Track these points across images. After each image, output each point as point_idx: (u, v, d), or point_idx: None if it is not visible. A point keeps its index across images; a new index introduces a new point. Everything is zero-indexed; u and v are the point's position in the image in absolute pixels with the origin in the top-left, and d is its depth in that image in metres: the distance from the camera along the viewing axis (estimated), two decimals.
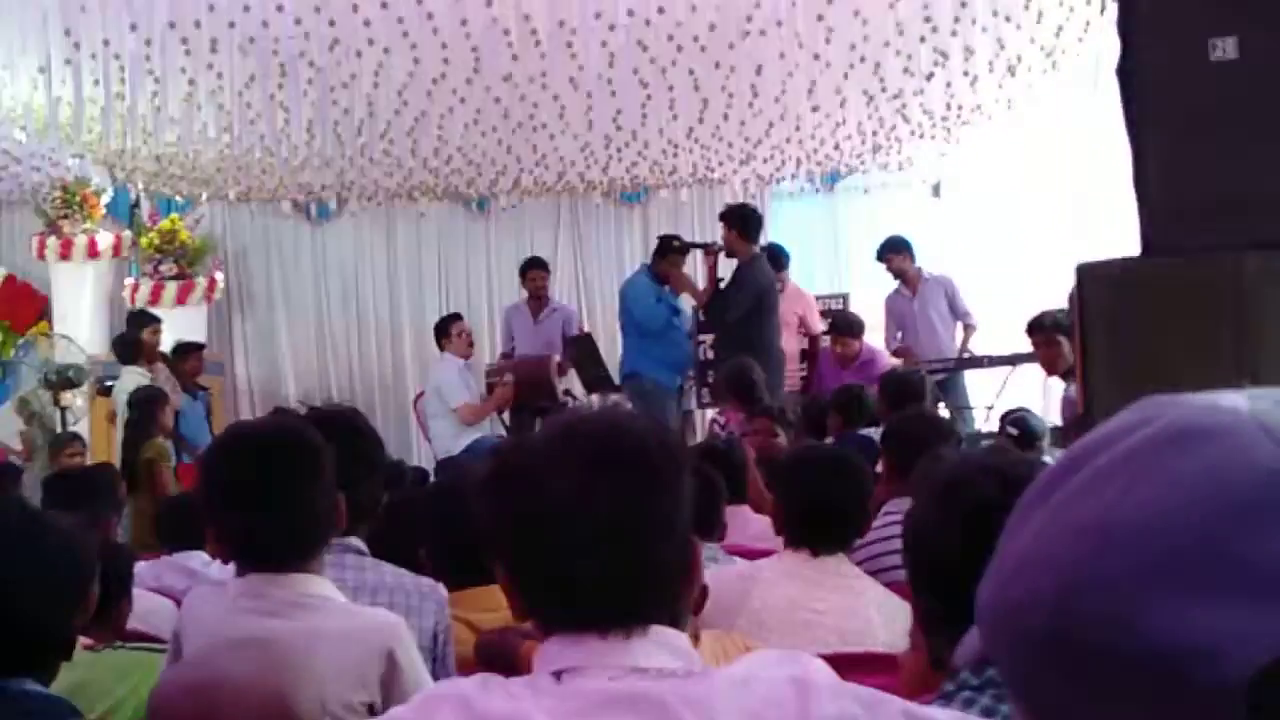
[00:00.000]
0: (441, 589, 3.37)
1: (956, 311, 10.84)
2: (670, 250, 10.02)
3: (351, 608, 2.82)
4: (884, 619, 3.50)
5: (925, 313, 10.82)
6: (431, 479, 8.45)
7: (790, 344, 10.31)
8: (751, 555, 4.31)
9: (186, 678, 2.07)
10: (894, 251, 10.89)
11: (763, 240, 10.73)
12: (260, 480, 2.69)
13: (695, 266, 10.96)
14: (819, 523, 3.67)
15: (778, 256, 10.61)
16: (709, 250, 9.94)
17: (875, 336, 10.75)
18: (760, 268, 9.63)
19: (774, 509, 3.87)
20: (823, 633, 3.42)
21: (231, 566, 4.99)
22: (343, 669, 2.61)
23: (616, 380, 10.90)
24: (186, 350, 11.05)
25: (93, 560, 2.53)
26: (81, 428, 10.66)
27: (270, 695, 1.98)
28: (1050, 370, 8.01)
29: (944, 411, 9.89)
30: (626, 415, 1.72)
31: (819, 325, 10.74)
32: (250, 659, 2.09)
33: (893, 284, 11.28)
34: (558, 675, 1.62)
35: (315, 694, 2.06)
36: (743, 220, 9.70)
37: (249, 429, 2.93)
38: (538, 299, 11.60)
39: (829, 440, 7.30)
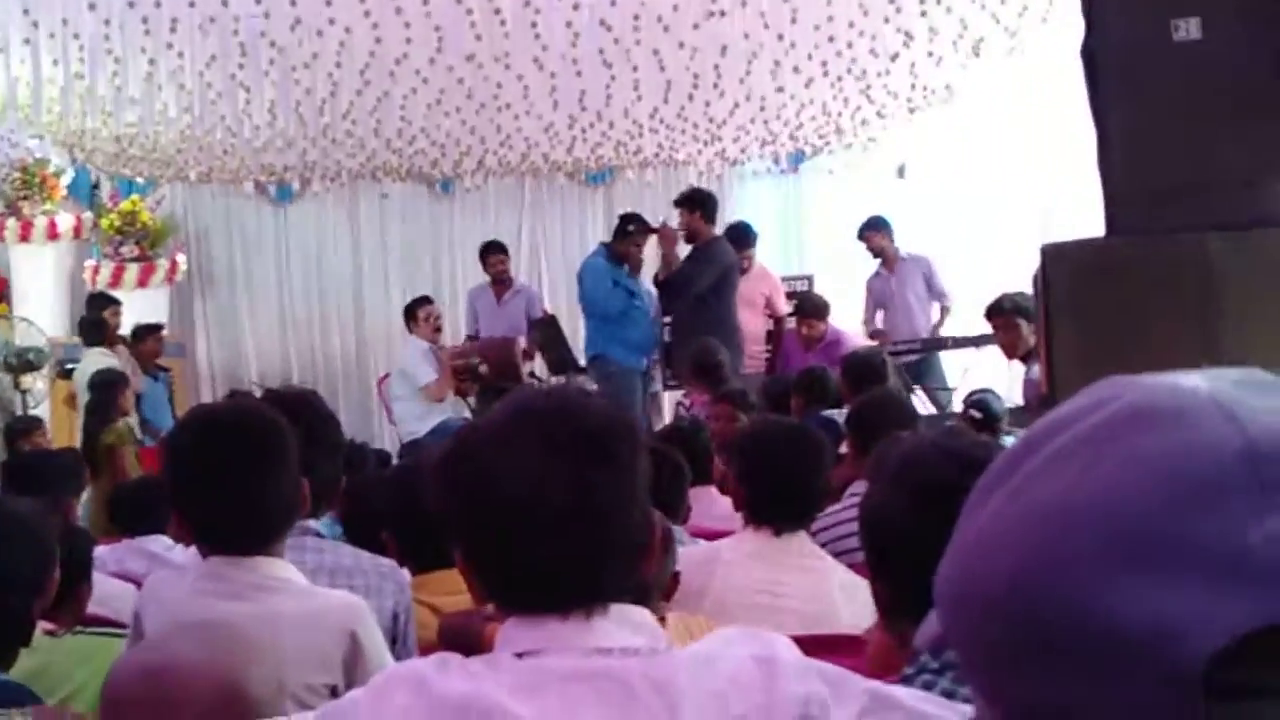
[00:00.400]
0: (402, 571, 3.36)
1: (934, 291, 10.87)
2: (627, 232, 9.99)
3: (313, 589, 2.80)
4: (846, 599, 3.48)
5: (903, 292, 10.85)
6: (395, 461, 8.43)
7: (755, 324, 10.31)
8: (715, 536, 4.30)
9: (139, 660, 2.05)
10: (874, 230, 10.91)
11: (726, 220, 10.72)
12: (226, 463, 2.66)
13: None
14: (779, 498, 3.65)
15: (745, 234, 10.57)
16: (662, 232, 9.87)
17: (839, 318, 10.75)
18: (722, 248, 9.64)
19: (733, 486, 3.84)
20: (785, 616, 3.38)
21: (193, 550, 4.98)
22: (304, 651, 2.59)
23: (582, 363, 10.90)
24: (145, 332, 10.97)
25: (53, 545, 2.51)
26: (42, 411, 10.60)
27: (223, 679, 1.96)
28: (1010, 354, 8.04)
29: (920, 393, 9.93)
30: (578, 395, 1.71)
31: (784, 307, 10.74)
32: (206, 642, 2.07)
33: (854, 266, 11.28)
34: (519, 656, 1.61)
35: (272, 677, 2.04)
36: (703, 203, 9.71)
37: (213, 412, 2.91)
38: (500, 282, 11.56)
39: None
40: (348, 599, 2.82)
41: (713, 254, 9.51)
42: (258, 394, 3.95)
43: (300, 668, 2.57)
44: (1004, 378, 8.89)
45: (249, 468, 2.68)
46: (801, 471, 3.65)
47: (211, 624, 2.25)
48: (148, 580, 2.92)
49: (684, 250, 9.80)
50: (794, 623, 3.25)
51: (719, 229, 9.95)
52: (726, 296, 9.52)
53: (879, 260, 11.01)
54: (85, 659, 3.06)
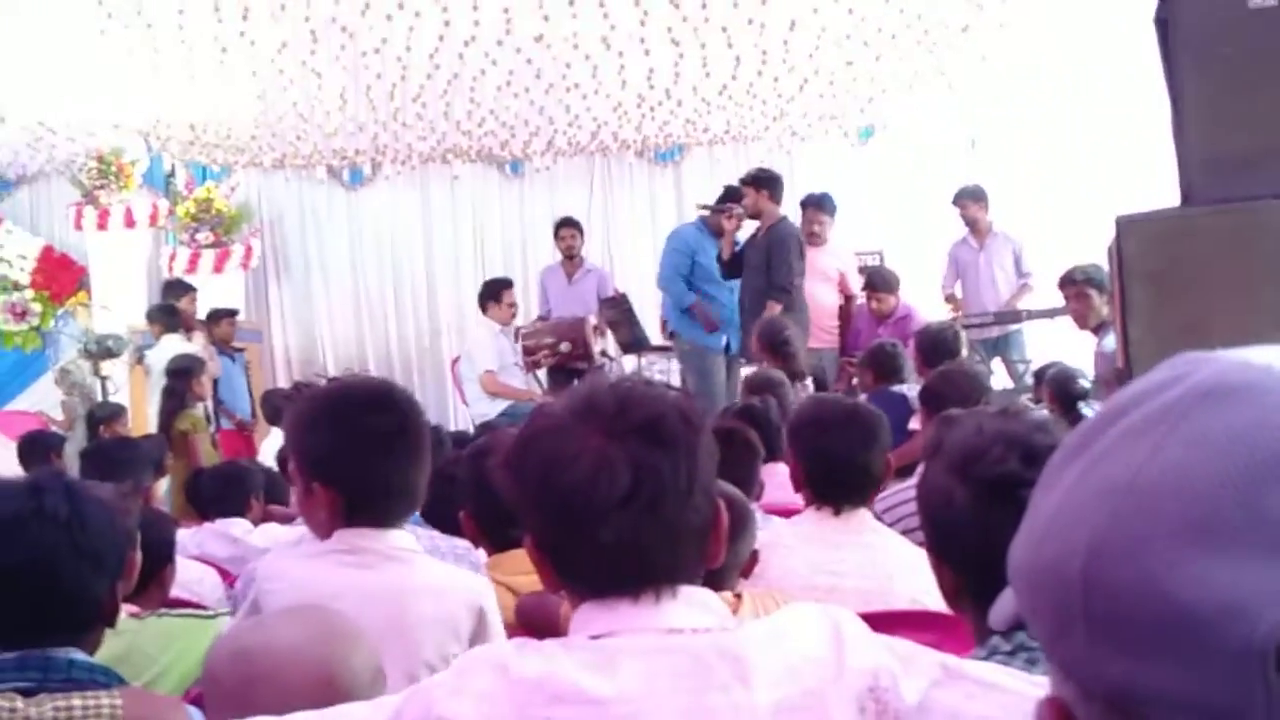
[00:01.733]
0: (477, 551, 3.39)
1: (1020, 270, 10.73)
2: (723, 203, 9.88)
3: (444, 564, 2.86)
4: (908, 574, 3.46)
5: (989, 266, 10.70)
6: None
7: (829, 298, 10.22)
8: (789, 513, 4.30)
9: (237, 640, 2.08)
10: (972, 199, 10.78)
11: (795, 196, 10.65)
12: (392, 438, 2.71)
13: None
14: (836, 477, 3.65)
15: (824, 201, 10.49)
16: (730, 213, 9.78)
17: (910, 293, 10.68)
18: (788, 228, 9.57)
19: (791, 467, 3.84)
20: (844, 595, 3.39)
21: (274, 532, 5.04)
22: (437, 620, 2.65)
23: (655, 341, 10.90)
24: (219, 316, 11.11)
25: (133, 528, 2.54)
26: (121, 397, 10.74)
27: (318, 664, 1.98)
28: (1081, 324, 7.98)
29: (999, 366, 9.86)
30: (642, 385, 1.73)
31: (857, 286, 10.67)
32: (307, 626, 2.10)
33: (925, 240, 11.18)
34: (593, 638, 1.64)
35: (372, 663, 2.07)
36: (770, 183, 9.61)
37: (371, 386, 2.90)
38: (571, 259, 11.56)
39: (862, 397, 7.30)
40: (476, 576, 2.87)
41: (781, 241, 9.39)
42: (322, 384, 3.95)
43: (434, 636, 2.62)
44: (1081, 351, 8.81)
45: (411, 443, 2.73)
46: (857, 450, 3.65)
47: (314, 609, 2.28)
48: (262, 563, 2.91)
49: (748, 227, 9.74)
50: (854, 601, 3.24)
51: (785, 206, 9.86)
52: (797, 279, 9.45)
53: (967, 229, 10.90)
54: (170, 641, 3.11)
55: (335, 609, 2.25)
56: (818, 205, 10.35)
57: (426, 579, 2.70)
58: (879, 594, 3.43)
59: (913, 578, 3.42)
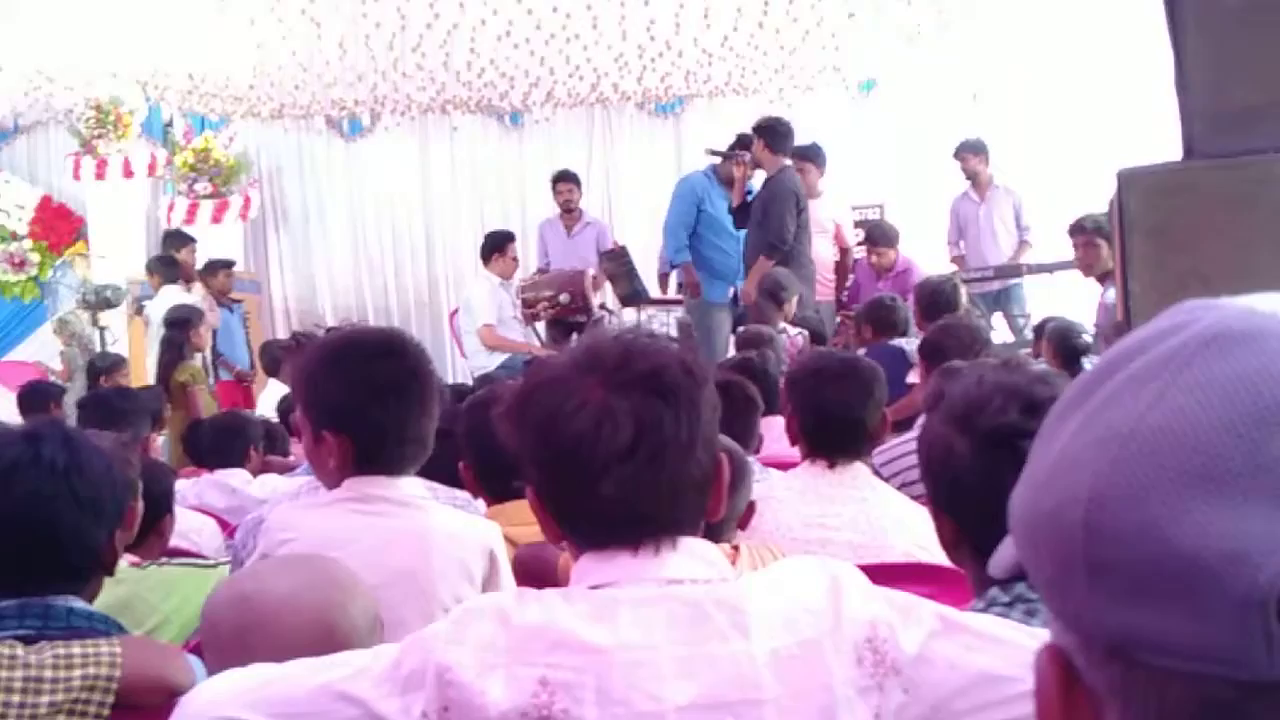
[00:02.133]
0: (477, 502, 3.39)
1: (1020, 224, 10.70)
2: (739, 146, 9.73)
3: (454, 510, 2.86)
4: (901, 529, 3.47)
5: (990, 220, 10.68)
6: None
7: (827, 251, 10.13)
8: (787, 466, 4.30)
9: (237, 587, 2.08)
10: (973, 152, 10.75)
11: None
12: (404, 385, 2.70)
13: None
14: (831, 430, 3.63)
15: (816, 153, 10.37)
16: (737, 160, 9.65)
17: (911, 247, 10.66)
18: (790, 178, 9.46)
19: (787, 419, 3.82)
20: (837, 548, 3.39)
21: (273, 483, 5.05)
22: (451, 565, 2.65)
23: (654, 294, 10.87)
24: (215, 267, 11.09)
25: (134, 478, 2.55)
26: (119, 348, 10.74)
27: (316, 611, 1.99)
28: (1087, 272, 8.00)
29: (1000, 319, 9.85)
30: (645, 337, 1.73)
31: (852, 238, 10.63)
32: (306, 573, 2.10)
33: (927, 194, 11.14)
34: (593, 589, 1.65)
35: (370, 611, 2.07)
36: (769, 131, 9.43)
37: (380, 334, 2.89)
38: (569, 212, 11.52)
39: (860, 351, 7.30)
40: (486, 521, 2.88)
41: (778, 193, 9.27)
42: (320, 334, 3.90)
43: (450, 581, 2.63)
44: (1081, 305, 8.80)
45: (421, 390, 2.73)
46: (853, 403, 3.62)
47: (312, 557, 2.28)
48: (274, 514, 2.89)
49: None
50: (846, 554, 3.24)
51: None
52: (799, 231, 9.37)
53: (969, 183, 10.85)
54: (170, 590, 3.12)
55: (333, 557, 2.26)
56: (803, 156, 10.16)
57: (441, 524, 2.70)
58: (872, 548, 3.42)
59: (907, 532, 3.44)
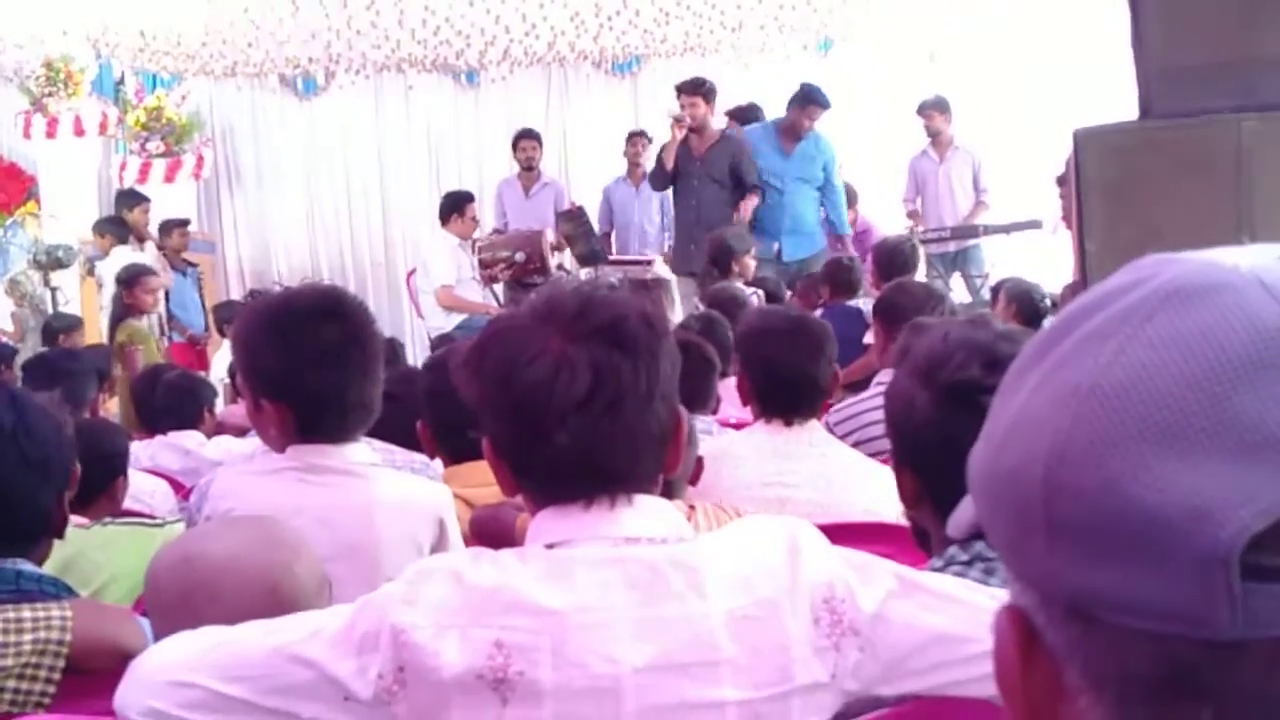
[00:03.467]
0: (434, 465, 3.37)
1: (978, 186, 10.69)
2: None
3: (400, 475, 2.81)
4: (860, 487, 3.47)
5: (949, 179, 10.65)
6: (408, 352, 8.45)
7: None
8: (743, 428, 4.30)
9: (180, 548, 2.05)
10: (938, 110, 10.70)
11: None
12: (342, 348, 2.62)
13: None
14: (783, 389, 3.61)
15: (756, 113, 10.39)
16: (678, 121, 9.66)
17: (869, 207, 10.67)
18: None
19: (739, 379, 3.79)
20: (796, 505, 3.37)
21: (227, 444, 5.01)
22: (399, 537, 2.62)
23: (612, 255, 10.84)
24: (170, 227, 10.99)
25: (72, 437, 2.49)
26: (72, 309, 10.64)
27: (259, 571, 1.96)
28: (1068, 224, 8.01)
29: (960, 281, 9.87)
30: (604, 288, 1.72)
31: None
32: (250, 533, 2.07)
33: (884, 154, 11.13)
34: (549, 548, 1.64)
35: (316, 571, 2.05)
36: (713, 93, 9.51)
37: (317, 295, 2.81)
38: (529, 170, 11.47)
39: (818, 312, 7.31)
40: (436, 486, 2.83)
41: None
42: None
43: (396, 552, 2.58)
44: (1038, 266, 8.84)
45: (362, 354, 2.65)
46: (803, 362, 3.60)
47: (258, 518, 2.25)
48: (220, 475, 2.85)
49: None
50: (805, 511, 3.19)
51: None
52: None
53: (929, 142, 10.84)
54: (116, 549, 3.07)
55: (277, 519, 2.23)
56: (744, 119, 10.15)
57: (387, 494, 2.66)
58: (831, 505, 3.42)
59: (864, 490, 3.45)
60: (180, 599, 1.95)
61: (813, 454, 3.57)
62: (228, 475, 2.86)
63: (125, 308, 8.91)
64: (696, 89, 9.54)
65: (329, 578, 2.10)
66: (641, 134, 11.40)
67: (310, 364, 2.60)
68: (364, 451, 2.73)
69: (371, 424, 2.74)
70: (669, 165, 9.56)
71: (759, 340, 3.74)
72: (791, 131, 9.57)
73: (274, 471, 2.70)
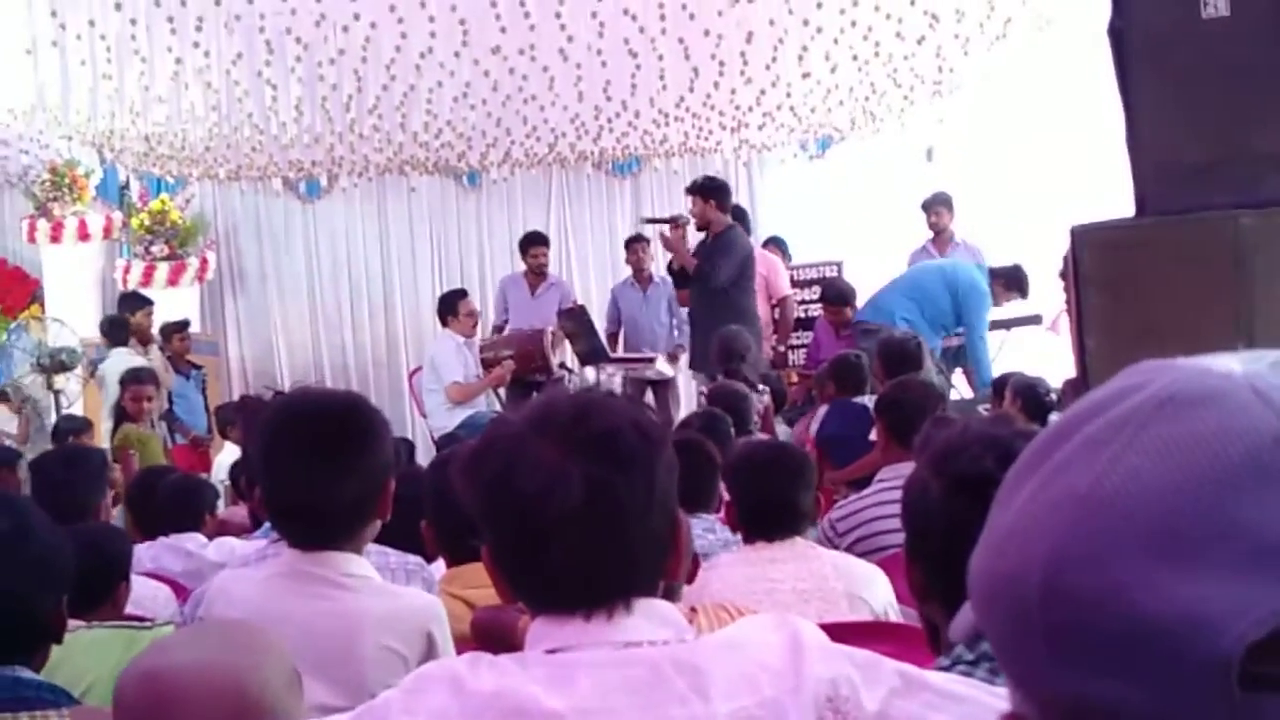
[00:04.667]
0: (430, 567, 3.36)
1: None
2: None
3: (391, 588, 2.78)
4: (839, 574, 3.64)
5: None
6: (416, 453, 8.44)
7: (761, 309, 10.20)
8: None
9: (144, 663, 2.00)
10: (944, 205, 10.82)
11: (756, 208, 10.68)
12: (334, 447, 2.62)
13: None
14: (768, 514, 3.78)
15: (744, 218, 10.52)
16: (676, 224, 9.81)
17: None
18: (738, 236, 9.59)
19: (726, 507, 3.98)
20: (782, 595, 3.54)
21: (230, 545, 4.99)
22: (384, 650, 2.60)
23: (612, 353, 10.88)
24: (171, 330, 11.00)
25: (69, 546, 2.47)
26: (75, 411, 10.63)
27: (224, 681, 1.92)
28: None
29: (961, 377, 9.88)
30: (601, 397, 1.71)
31: (785, 287, 10.73)
32: (217, 642, 2.03)
33: (884, 250, 11.18)
34: (550, 653, 1.62)
35: (285, 676, 2.01)
36: (717, 191, 9.62)
37: (316, 396, 2.82)
38: (538, 274, 11.51)
39: (823, 408, 7.31)
40: (426, 599, 2.80)
41: (730, 244, 9.44)
42: (268, 398, 3.85)
43: (381, 667, 2.57)
44: (1039, 362, 8.85)
45: (325, 454, 2.62)
46: (784, 487, 3.79)
47: (222, 623, 2.24)
48: (218, 577, 2.86)
49: (695, 239, 9.76)
50: (792, 599, 3.49)
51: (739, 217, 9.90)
52: (746, 285, 9.47)
53: (930, 237, 10.90)
54: (102, 653, 3.02)
55: (242, 620, 2.21)
56: (740, 221, 10.32)
57: (374, 608, 2.64)
58: (816, 592, 3.58)
59: (848, 577, 3.64)
60: (150, 715, 1.91)
61: (796, 553, 3.73)
62: (224, 579, 2.87)
63: (122, 410, 8.91)
64: (694, 189, 9.72)
65: (299, 674, 2.06)
66: (639, 238, 11.50)
67: (269, 467, 2.68)
68: (355, 563, 2.70)
69: (355, 529, 2.70)
70: (676, 267, 9.74)
71: (743, 469, 3.93)
72: None
73: (266, 578, 2.70)
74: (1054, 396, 6.68)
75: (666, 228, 9.73)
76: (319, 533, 2.67)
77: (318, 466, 2.61)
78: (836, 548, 4.37)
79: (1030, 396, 6.71)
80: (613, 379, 10.38)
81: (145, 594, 4.13)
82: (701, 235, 9.65)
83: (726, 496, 4.05)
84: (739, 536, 4.05)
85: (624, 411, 1.69)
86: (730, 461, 4.15)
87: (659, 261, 11.10)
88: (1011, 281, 9.44)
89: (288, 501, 2.66)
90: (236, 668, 1.95)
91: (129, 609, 3.78)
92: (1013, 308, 10.06)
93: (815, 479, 3.95)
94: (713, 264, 9.31)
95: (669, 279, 11.10)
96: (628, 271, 11.43)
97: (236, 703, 1.88)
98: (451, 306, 10.26)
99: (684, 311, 10.99)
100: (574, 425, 1.63)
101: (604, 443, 1.62)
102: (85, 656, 2.99)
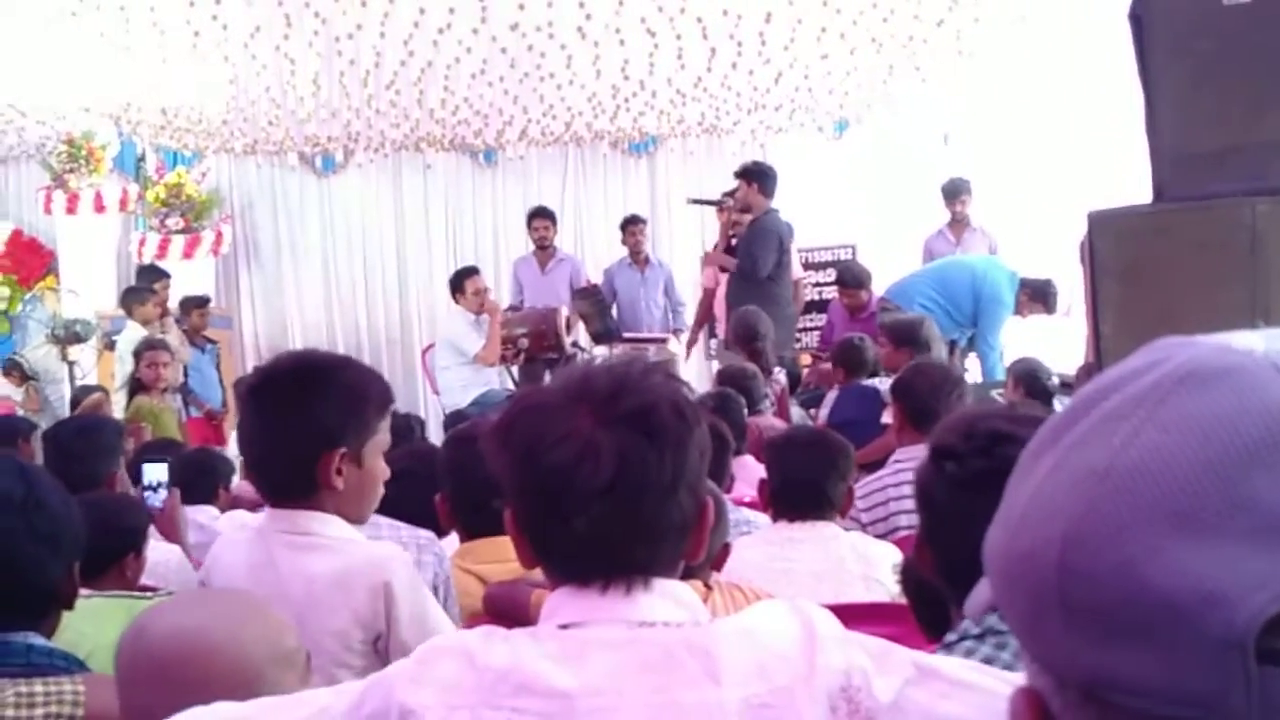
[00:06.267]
0: (440, 542, 3.36)
1: None
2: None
3: (346, 545, 2.71)
4: (856, 557, 3.73)
5: None
6: (426, 430, 8.46)
7: None
8: (754, 506, 4.36)
9: (134, 629, 2.00)
10: (968, 193, 10.89)
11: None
12: (274, 400, 2.66)
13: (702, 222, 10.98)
14: (796, 494, 3.87)
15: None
16: (722, 206, 9.89)
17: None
18: (775, 220, 9.60)
19: (760, 484, 4.08)
20: (798, 578, 3.61)
21: (241, 518, 5.01)
22: (336, 610, 2.60)
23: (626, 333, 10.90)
24: (191, 305, 11.01)
25: (80, 513, 2.48)
26: (90, 382, 10.66)
27: (202, 643, 1.91)
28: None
29: (975, 363, 9.89)
30: (640, 372, 1.70)
31: (796, 270, 10.75)
32: (204, 607, 2.03)
33: (899, 234, 11.16)
34: (563, 627, 1.62)
35: (267, 639, 1.99)
36: (761, 176, 9.68)
37: (288, 355, 2.84)
38: (544, 249, 11.54)
39: (834, 392, 7.33)
40: (378, 553, 2.72)
41: (765, 232, 9.46)
42: None
43: (334, 625, 2.59)
44: (1053, 347, 8.83)
45: (264, 407, 2.68)
46: (816, 471, 3.88)
47: (216, 593, 2.26)
48: (215, 543, 2.92)
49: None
50: (808, 582, 3.57)
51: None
52: (780, 274, 9.52)
53: (947, 222, 10.92)
54: (102, 622, 3.03)
55: (233, 590, 2.24)
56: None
57: (325, 567, 2.63)
58: (831, 575, 3.66)
59: (865, 560, 3.72)
60: (135, 680, 1.92)
61: (814, 534, 3.80)
62: (220, 542, 2.96)
63: (137, 382, 8.92)
64: (741, 173, 9.85)
65: (303, 650, 2.05)
66: (636, 220, 11.53)
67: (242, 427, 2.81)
68: (317, 520, 2.68)
69: (317, 483, 2.67)
70: (722, 247, 9.86)
71: (782, 447, 4.05)
72: None
73: (247, 540, 2.78)
74: (1056, 380, 6.67)
75: (715, 210, 9.80)
76: (272, 487, 2.73)
77: (260, 419, 2.70)
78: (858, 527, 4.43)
79: (1030, 380, 6.72)
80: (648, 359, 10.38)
81: (158, 559, 4.14)
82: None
83: (764, 474, 4.10)
84: (753, 517, 4.10)
85: (661, 388, 1.67)
86: (772, 440, 4.24)
87: (658, 244, 11.12)
88: (1038, 294, 9.41)
89: (246, 454, 2.79)
90: (207, 631, 1.93)
91: (144, 578, 3.79)
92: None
93: (850, 471, 4.00)
94: (752, 258, 9.33)
95: (664, 263, 11.23)
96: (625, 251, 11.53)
97: (204, 668, 1.87)
98: (458, 284, 10.30)
99: (680, 293, 11.08)
100: (610, 398, 1.63)
101: (639, 418, 1.62)
102: (85, 625, 2.99)
